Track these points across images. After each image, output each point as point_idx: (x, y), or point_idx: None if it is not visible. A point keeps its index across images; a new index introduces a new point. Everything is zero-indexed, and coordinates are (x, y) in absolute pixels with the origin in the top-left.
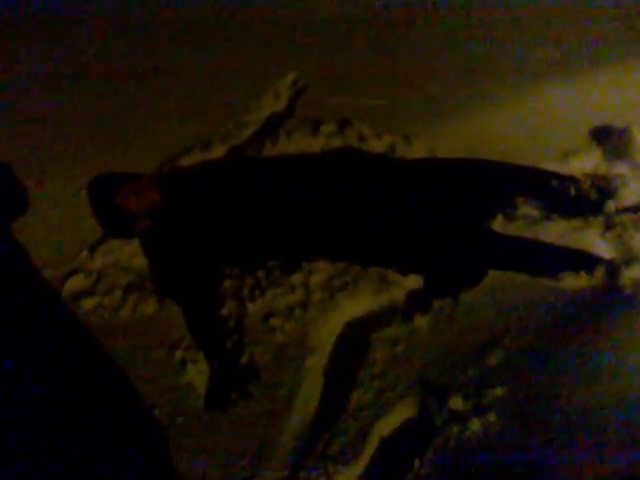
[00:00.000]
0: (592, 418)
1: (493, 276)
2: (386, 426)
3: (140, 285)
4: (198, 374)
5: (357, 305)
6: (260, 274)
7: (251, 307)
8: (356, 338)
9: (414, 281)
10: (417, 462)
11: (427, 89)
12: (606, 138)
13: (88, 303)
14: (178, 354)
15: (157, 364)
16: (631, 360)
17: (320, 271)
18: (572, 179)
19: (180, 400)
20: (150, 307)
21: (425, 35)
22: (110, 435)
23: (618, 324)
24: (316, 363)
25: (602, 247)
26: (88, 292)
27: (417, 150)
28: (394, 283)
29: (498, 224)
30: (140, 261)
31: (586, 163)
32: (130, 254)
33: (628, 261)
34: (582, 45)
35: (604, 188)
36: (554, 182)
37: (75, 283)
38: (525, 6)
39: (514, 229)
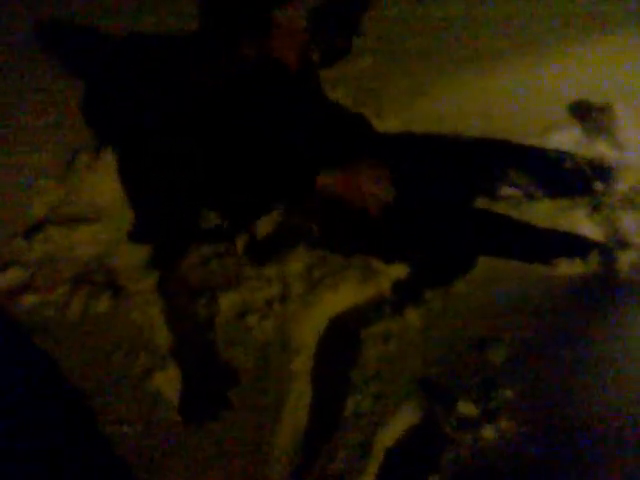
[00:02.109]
0: (607, 415)
1: (484, 263)
2: (390, 436)
3: (89, 278)
4: (167, 382)
5: (341, 298)
6: (231, 265)
7: (224, 303)
8: (343, 335)
9: (400, 270)
10: (432, 476)
11: (405, 64)
12: (586, 114)
13: (27, 300)
14: (142, 358)
15: (117, 371)
16: (632, 348)
17: (297, 260)
18: (557, 157)
19: (150, 413)
20: (103, 304)
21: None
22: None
23: (617, 310)
24: (302, 365)
25: (590, 229)
26: (27, 287)
27: (391, 127)
28: (379, 272)
29: (481, 205)
30: (86, 250)
31: (566, 139)
32: (73, 242)
33: (623, 245)
34: (560, 21)
35: (592, 167)
36: (538, 160)
37: (10, 277)
38: None
39: (498, 210)
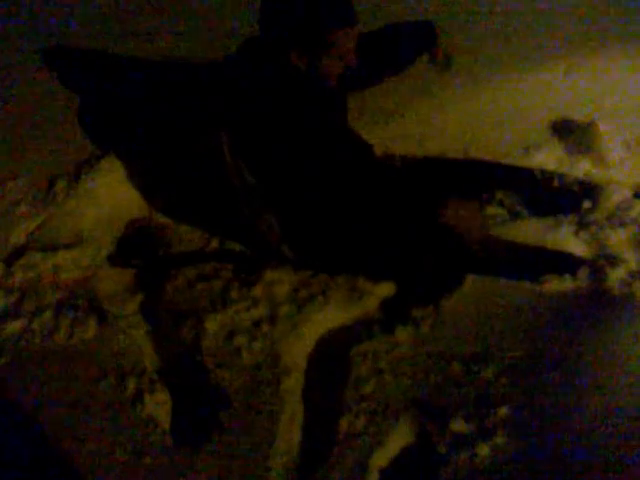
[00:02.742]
0: (601, 427)
1: (472, 281)
2: (384, 456)
3: (73, 304)
4: (157, 406)
5: (328, 318)
6: (217, 287)
7: (211, 325)
8: (334, 354)
9: (387, 289)
10: None
11: (384, 85)
12: (568, 133)
13: (14, 327)
14: (131, 383)
15: (107, 397)
16: (623, 361)
17: (283, 282)
18: (542, 175)
19: (143, 437)
20: (89, 330)
21: None
22: None
23: (607, 326)
24: (293, 385)
25: (577, 247)
26: (12, 314)
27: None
28: (365, 292)
29: None
30: (68, 275)
31: (549, 158)
32: (54, 268)
33: (612, 262)
34: (542, 41)
35: (577, 185)
36: (523, 179)
37: None
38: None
39: None
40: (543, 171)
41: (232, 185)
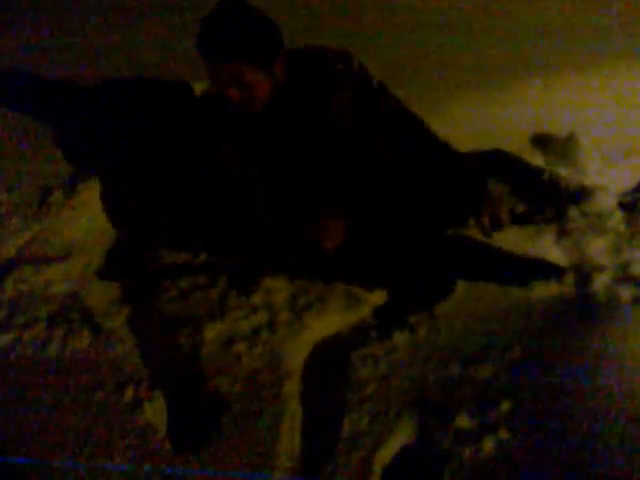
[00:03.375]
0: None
1: (464, 287)
2: (388, 454)
3: (65, 316)
4: (156, 413)
5: (326, 324)
6: (214, 296)
7: (209, 333)
8: (334, 359)
9: (381, 296)
10: None
11: None
12: (548, 145)
13: (5, 339)
14: (128, 392)
15: (104, 406)
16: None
17: (281, 289)
18: (524, 186)
19: (142, 443)
20: (83, 340)
21: None
22: None
23: (593, 327)
24: (294, 389)
25: (558, 254)
26: (3, 327)
27: None
28: (361, 299)
29: (454, 234)
30: (60, 288)
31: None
32: (46, 281)
33: (597, 268)
34: (524, 54)
35: (558, 195)
36: (505, 189)
37: None
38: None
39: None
40: (523, 180)
41: (235, 191)
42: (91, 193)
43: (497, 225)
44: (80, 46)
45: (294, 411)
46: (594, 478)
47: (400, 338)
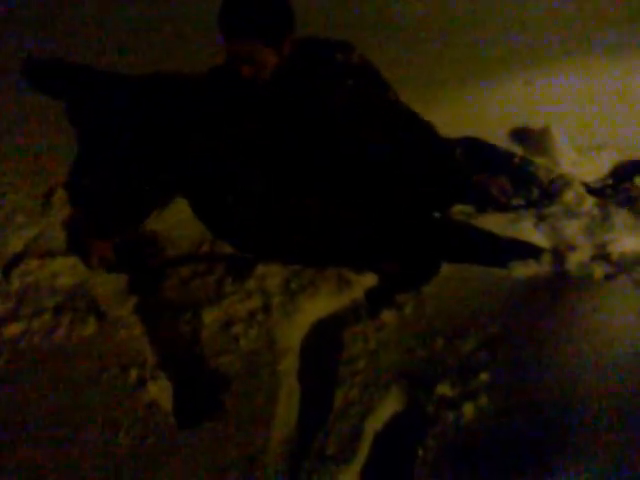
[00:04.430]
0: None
1: (449, 269)
2: (377, 421)
3: (71, 306)
4: (161, 391)
5: (319, 306)
6: (211, 283)
7: (208, 317)
8: (326, 337)
9: (371, 279)
10: (420, 450)
11: None
12: (525, 137)
13: (13, 329)
14: (133, 373)
15: (110, 386)
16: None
17: (274, 275)
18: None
19: (146, 420)
20: (89, 327)
21: None
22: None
23: (568, 303)
24: (290, 366)
25: (537, 238)
26: (10, 317)
27: None
28: (352, 282)
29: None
30: (65, 281)
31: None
32: (51, 274)
33: (572, 247)
34: (504, 51)
35: (536, 183)
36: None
37: None
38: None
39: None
40: (503, 169)
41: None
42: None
43: (506, 194)
44: (81, 45)
45: (290, 386)
46: (566, 440)
47: (389, 316)
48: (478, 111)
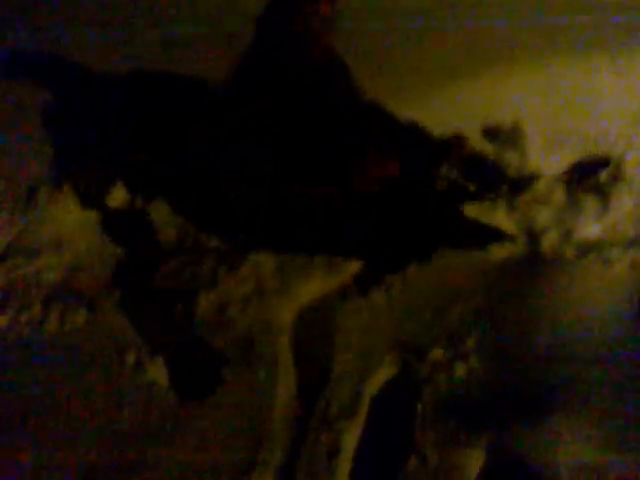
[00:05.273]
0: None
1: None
2: (374, 386)
3: (61, 298)
4: (159, 371)
5: (312, 289)
6: (205, 270)
7: (203, 301)
8: (320, 316)
9: (359, 264)
10: (419, 406)
11: None
12: (496, 133)
13: (1, 322)
14: (130, 357)
15: (108, 370)
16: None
17: (267, 262)
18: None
19: (148, 398)
20: (80, 317)
21: None
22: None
23: (542, 278)
24: (287, 342)
25: (510, 225)
26: None
27: None
28: (341, 267)
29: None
30: (52, 275)
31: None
32: (37, 270)
33: (544, 231)
34: (475, 49)
35: (508, 176)
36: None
37: None
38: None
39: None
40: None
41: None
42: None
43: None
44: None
45: (288, 360)
46: (549, 393)
47: (378, 295)
48: (451, 107)
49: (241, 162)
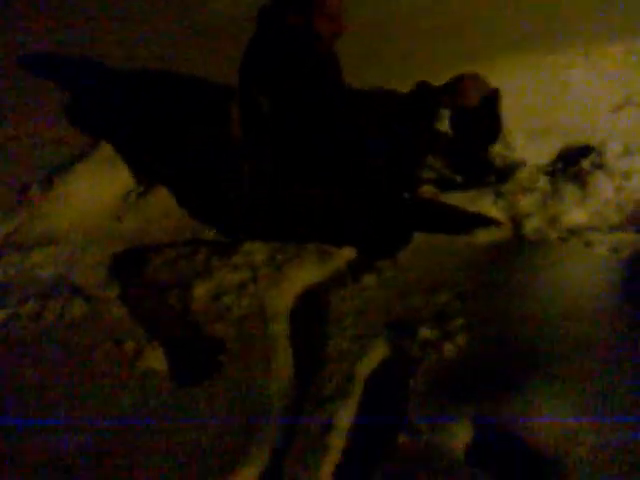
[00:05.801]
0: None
1: (421, 238)
2: (368, 367)
3: (57, 292)
4: (157, 359)
5: (305, 275)
6: (199, 260)
7: (198, 290)
8: (314, 301)
9: (351, 251)
10: (411, 381)
11: None
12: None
13: None
14: (129, 345)
15: (107, 359)
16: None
17: (259, 251)
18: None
19: (147, 384)
20: (78, 309)
21: None
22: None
23: (526, 261)
24: (282, 328)
25: (496, 212)
26: None
27: None
28: (333, 254)
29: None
30: (47, 271)
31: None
32: (32, 265)
33: (528, 215)
34: (458, 43)
35: (493, 165)
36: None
37: None
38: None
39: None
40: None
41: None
42: (68, 187)
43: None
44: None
45: (283, 345)
46: (536, 367)
47: (370, 279)
48: None
49: (241, 162)
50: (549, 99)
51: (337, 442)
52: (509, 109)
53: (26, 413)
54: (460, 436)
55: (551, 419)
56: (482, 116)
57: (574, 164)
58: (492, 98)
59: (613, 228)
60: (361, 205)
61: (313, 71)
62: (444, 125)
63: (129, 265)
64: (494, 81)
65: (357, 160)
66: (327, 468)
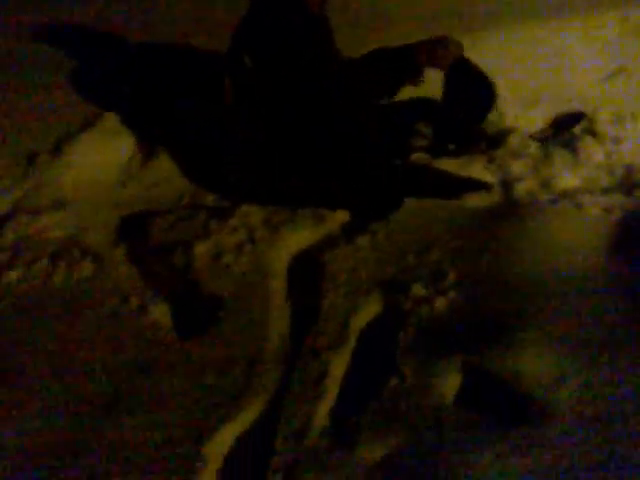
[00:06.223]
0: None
1: (413, 202)
2: (361, 320)
3: (67, 253)
4: (161, 313)
5: (300, 237)
6: (198, 223)
7: (199, 250)
8: (309, 261)
9: (345, 214)
10: (401, 333)
11: None
12: None
13: (10, 276)
14: (134, 301)
15: (113, 313)
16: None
17: (254, 213)
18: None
19: (151, 336)
20: (86, 269)
21: None
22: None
23: (519, 224)
24: (279, 285)
25: (487, 177)
26: (8, 266)
27: None
28: (327, 217)
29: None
30: (56, 233)
31: None
32: (43, 228)
33: (519, 179)
34: (453, 16)
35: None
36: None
37: None
38: None
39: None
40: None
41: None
42: (75, 155)
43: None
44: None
45: (281, 300)
46: (525, 320)
47: (363, 241)
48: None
49: (234, 129)
50: (543, 67)
51: (331, 388)
52: (504, 78)
53: (42, 362)
54: (449, 381)
55: (537, 363)
56: (477, 86)
57: (567, 130)
58: (465, 60)
59: (606, 191)
60: (354, 172)
61: (304, 31)
62: (432, 91)
63: (134, 227)
64: (489, 49)
65: (355, 154)
66: (322, 410)
